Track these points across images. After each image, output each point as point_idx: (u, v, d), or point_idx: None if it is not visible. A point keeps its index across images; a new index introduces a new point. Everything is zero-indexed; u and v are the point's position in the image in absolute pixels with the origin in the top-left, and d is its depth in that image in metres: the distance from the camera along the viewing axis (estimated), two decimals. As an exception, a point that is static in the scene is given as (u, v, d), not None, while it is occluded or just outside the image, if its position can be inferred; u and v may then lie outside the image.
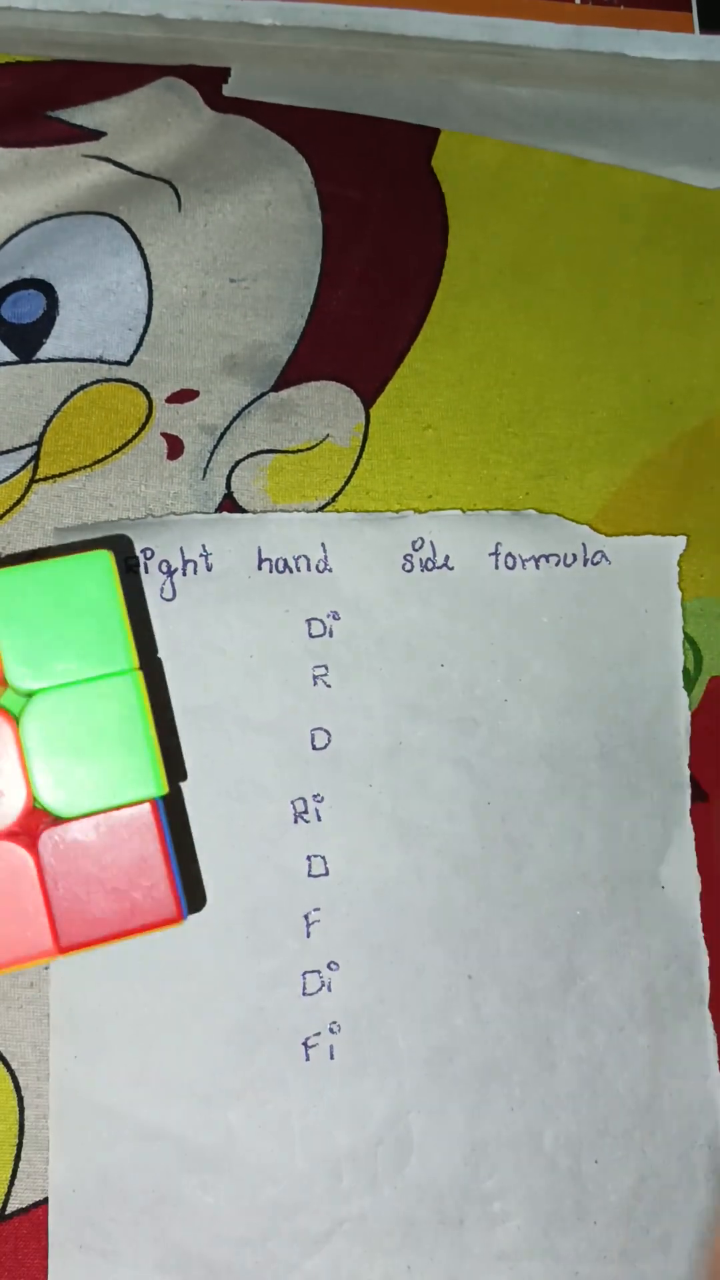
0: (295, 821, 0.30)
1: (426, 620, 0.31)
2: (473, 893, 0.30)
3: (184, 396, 0.32)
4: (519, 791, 0.31)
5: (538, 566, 0.32)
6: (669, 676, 0.32)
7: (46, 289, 0.32)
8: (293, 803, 0.30)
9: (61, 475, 0.31)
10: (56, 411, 0.31)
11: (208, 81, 0.34)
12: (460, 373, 0.33)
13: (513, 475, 0.33)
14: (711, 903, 0.31)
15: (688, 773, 0.32)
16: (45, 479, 0.31)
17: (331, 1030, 0.29)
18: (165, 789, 0.22)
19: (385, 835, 0.30)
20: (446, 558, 0.31)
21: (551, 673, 0.31)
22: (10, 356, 0.31)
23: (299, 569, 0.31)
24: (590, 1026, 0.30)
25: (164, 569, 0.30)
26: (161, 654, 0.30)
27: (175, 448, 0.31)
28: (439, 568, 0.31)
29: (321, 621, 0.30)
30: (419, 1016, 0.29)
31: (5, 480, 0.31)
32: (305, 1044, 0.29)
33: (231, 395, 0.32)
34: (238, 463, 0.31)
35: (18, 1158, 0.28)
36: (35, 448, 0.31)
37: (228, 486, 0.31)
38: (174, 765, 0.29)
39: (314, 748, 0.30)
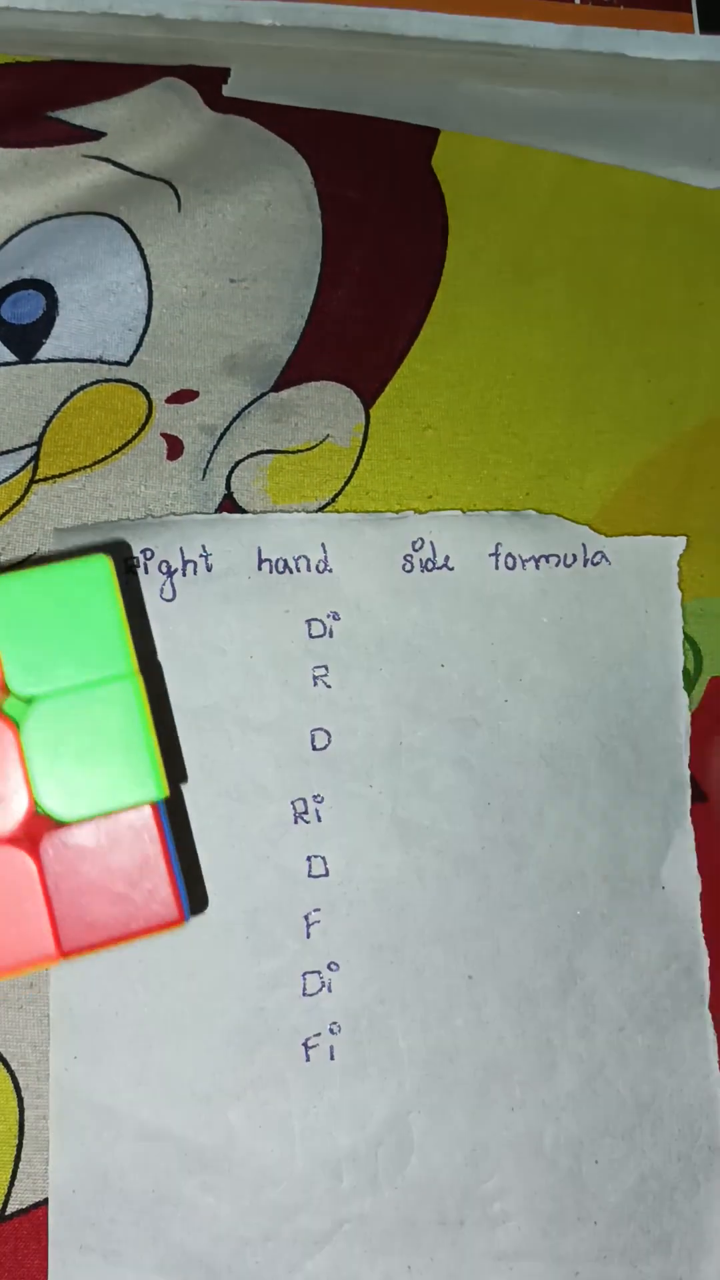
0: (295, 822, 0.30)
1: (426, 621, 0.31)
2: (473, 893, 0.30)
3: (184, 397, 0.32)
4: (519, 792, 0.31)
5: (538, 567, 0.32)
6: (669, 677, 0.32)
7: (46, 289, 0.32)
8: (293, 803, 0.30)
9: (61, 476, 0.31)
10: (56, 412, 0.31)
11: (208, 82, 0.34)
12: (460, 373, 0.33)
13: (513, 475, 0.33)
14: (712, 903, 0.31)
15: (688, 773, 0.32)
16: (45, 479, 0.31)
17: (332, 1031, 0.29)
18: (166, 792, 0.22)
19: (385, 835, 0.30)
20: (446, 558, 0.31)
21: (551, 673, 0.31)
22: (10, 357, 0.31)
23: (299, 569, 0.31)
24: (590, 1026, 0.30)
25: (164, 569, 0.30)
26: (161, 654, 0.30)
27: (175, 448, 0.31)
28: (439, 568, 0.31)
29: (321, 622, 0.30)
30: (419, 1017, 0.29)
31: (5, 481, 0.31)
32: (305, 1044, 0.29)
33: (231, 395, 0.32)
34: (238, 463, 0.31)
35: (18, 1158, 0.28)
36: (35, 448, 0.31)
37: (227, 487, 0.31)
38: (174, 767, 0.29)
39: (314, 748, 0.30)
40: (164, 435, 0.31)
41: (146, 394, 0.32)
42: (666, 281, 0.35)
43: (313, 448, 0.32)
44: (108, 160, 0.33)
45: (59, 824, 0.22)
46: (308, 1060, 0.29)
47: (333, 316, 0.33)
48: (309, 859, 0.29)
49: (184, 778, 0.29)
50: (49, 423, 0.31)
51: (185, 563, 0.30)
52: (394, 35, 0.34)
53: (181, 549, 0.30)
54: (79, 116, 0.33)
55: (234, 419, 0.32)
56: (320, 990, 0.29)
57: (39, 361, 0.31)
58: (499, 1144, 0.29)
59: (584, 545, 0.32)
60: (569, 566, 0.32)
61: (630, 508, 0.33)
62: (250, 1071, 0.28)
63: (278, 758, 0.30)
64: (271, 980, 0.29)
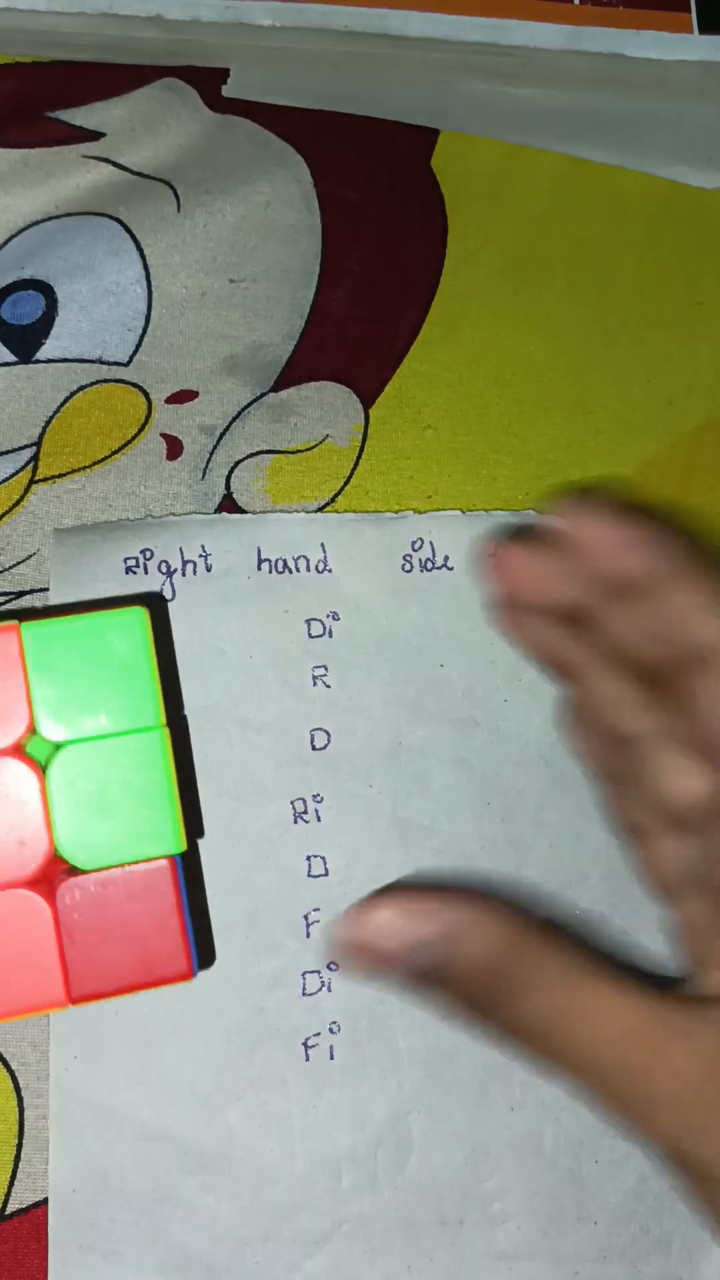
0: (295, 822, 0.30)
1: (426, 620, 0.31)
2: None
3: (183, 397, 0.32)
4: (519, 792, 0.31)
5: (537, 567, 0.32)
6: (669, 676, 0.32)
7: (46, 289, 0.32)
8: (292, 803, 0.30)
9: (61, 476, 0.31)
10: (56, 412, 0.31)
11: (207, 82, 0.34)
12: (460, 373, 0.33)
13: (512, 475, 0.33)
14: (711, 903, 0.31)
15: (688, 773, 0.32)
16: (44, 479, 0.31)
17: (331, 1030, 0.29)
18: (184, 846, 0.23)
19: (385, 835, 0.30)
20: (446, 558, 0.31)
21: (551, 673, 0.31)
22: (10, 357, 0.31)
23: (298, 569, 0.31)
24: (590, 1027, 0.30)
25: (163, 569, 0.30)
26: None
27: (175, 448, 0.31)
28: (438, 568, 0.31)
29: (321, 622, 0.30)
30: (419, 1017, 0.29)
31: (4, 481, 0.31)
32: (305, 1044, 0.29)
33: (231, 396, 0.32)
34: (237, 463, 0.31)
35: (17, 1158, 0.28)
36: (34, 448, 0.31)
37: (227, 487, 0.31)
38: (192, 822, 0.29)
39: (314, 748, 0.30)
40: (163, 435, 0.31)
41: (146, 394, 0.32)
42: (666, 282, 0.35)
43: (312, 448, 0.32)
44: (107, 160, 0.33)
45: (77, 871, 0.22)
46: (307, 1060, 0.29)
47: (332, 316, 0.33)
48: (309, 859, 0.29)
49: (200, 833, 0.29)
50: (48, 423, 0.31)
51: (185, 563, 0.30)
52: (393, 36, 0.34)
53: (181, 549, 0.30)
54: (79, 117, 0.33)
55: (233, 419, 0.32)
56: (320, 990, 0.29)
57: (38, 362, 0.31)
58: (499, 1144, 0.29)
59: (584, 545, 0.32)
60: (569, 566, 0.32)
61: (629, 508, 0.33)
62: (250, 1071, 0.28)
63: (277, 758, 0.30)
64: (271, 980, 0.29)
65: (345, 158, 0.34)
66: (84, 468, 0.31)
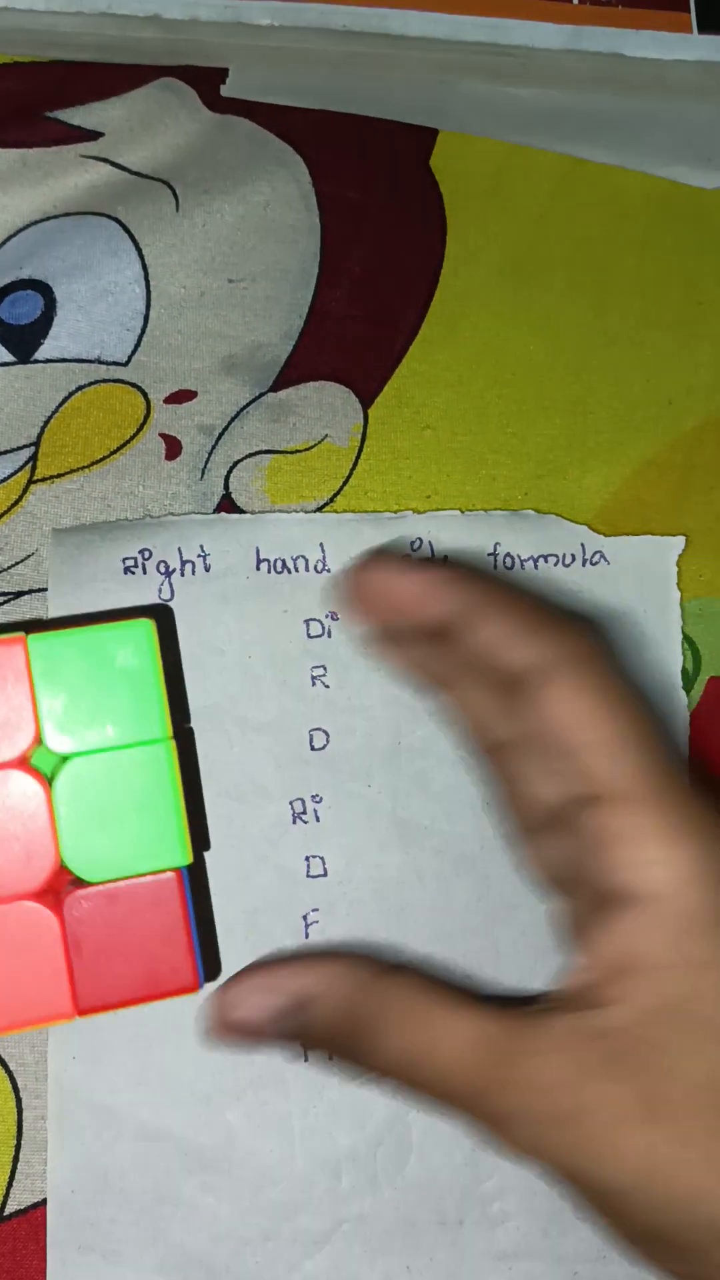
0: (294, 822, 0.30)
1: (425, 620, 0.31)
2: (472, 893, 0.30)
3: (182, 397, 0.32)
4: (518, 792, 0.31)
5: (536, 567, 0.32)
6: (668, 677, 0.32)
7: (44, 289, 0.32)
8: (291, 803, 0.30)
9: (59, 476, 0.31)
10: (54, 412, 0.31)
11: (206, 82, 0.34)
12: (459, 373, 0.33)
13: (511, 475, 0.33)
14: (711, 903, 0.31)
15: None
16: (43, 480, 0.31)
17: (330, 1031, 0.29)
18: (190, 859, 0.23)
19: (384, 835, 0.30)
20: (445, 558, 0.31)
21: (550, 673, 0.31)
22: (8, 357, 0.31)
23: (297, 569, 0.31)
24: (590, 1027, 0.30)
25: (162, 569, 0.30)
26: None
27: (173, 448, 0.31)
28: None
29: (320, 622, 0.30)
30: (418, 1017, 0.29)
31: (3, 481, 0.31)
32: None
33: (230, 395, 0.32)
34: (236, 463, 0.31)
35: (16, 1159, 0.28)
36: (33, 448, 0.31)
37: (226, 487, 0.31)
38: (198, 834, 0.29)
39: (313, 748, 0.30)
40: (162, 435, 0.31)
41: (145, 394, 0.32)
42: (665, 281, 0.35)
43: (311, 448, 0.32)
44: (106, 160, 0.33)
45: (83, 883, 0.22)
46: (307, 1060, 0.29)
47: (331, 316, 0.33)
48: (308, 859, 0.29)
49: (207, 845, 0.29)
50: (47, 423, 0.31)
51: (183, 563, 0.30)
52: (393, 35, 0.34)
53: (180, 549, 0.30)
54: (77, 116, 0.33)
55: (232, 419, 0.32)
56: (319, 990, 0.29)
57: (37, 362, 0.31)
58: (498, 1144, 0.29)
59: (583, 545, 0.32)
60: (568, 566, 0.32)
61: (629, 507, 0.33)
62: (250, 1071, 0.28)
63: (277, 758, 0.30)
64: (271, 980, 0.29)
65: (344, 157, 0.34)
66: (82, 468, 0.31)
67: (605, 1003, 0.20)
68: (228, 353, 0.32)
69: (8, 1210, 0.28)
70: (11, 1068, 0.28)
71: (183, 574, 0.30)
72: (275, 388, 0.32)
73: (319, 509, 0.31)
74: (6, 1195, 0.28)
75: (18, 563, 0.30)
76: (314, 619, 0.30)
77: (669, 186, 0.36)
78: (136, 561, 0.30)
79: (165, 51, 0.34)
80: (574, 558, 0.32)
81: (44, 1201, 0.28)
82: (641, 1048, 0.20)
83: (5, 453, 0.31)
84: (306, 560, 0.31)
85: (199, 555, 0.30)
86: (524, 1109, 0.20)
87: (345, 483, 0.32)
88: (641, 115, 0.36)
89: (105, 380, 0.31)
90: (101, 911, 0.22)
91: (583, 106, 0.36)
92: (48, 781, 0.22)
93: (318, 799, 0.30)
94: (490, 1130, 0.21)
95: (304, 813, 0.30)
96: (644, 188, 0.36)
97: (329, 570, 0.31)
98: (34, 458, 0.31)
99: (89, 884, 0.22)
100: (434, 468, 0.32)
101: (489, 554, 0.31)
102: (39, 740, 0.22)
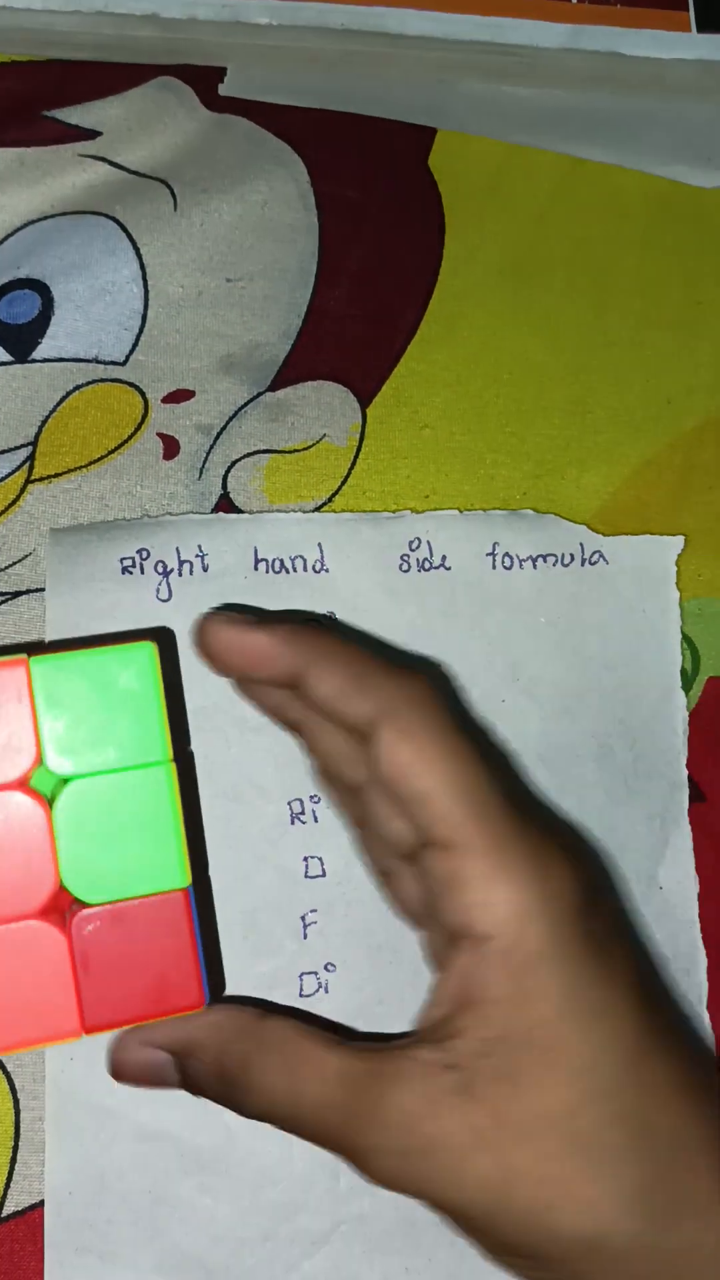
0: (293, 822, 0.30)
1: (423, 620, 0.31)
2: (470, 893, 0.30)
3: (180, 396, 0.32)
4: (517, 792, 0.31)
5: (535, 566, 0.32)
6: (667, 676, 0.32)
7: (42, 289, 0.32)
8: (289, 804, 0.30)
9: (57, 475, 0.31)
10: (52, 412, 0.31)
11: (204, 81, 0.34)
12: (458, 372, 0.33)
13: (510, 475, 0.33)
14: (710, 904, 0.31)
15: (686, 773, 0.32)
16: (41, 479, 0.31)
17: (329, 1031, 0.29)
18: (189, 880, 0.23)
19: (382, 836, 0.30)
20: (444, 558, 0.31)
21: (549, 673, 0.31)
22: (6, 357, 0.31)
23: (295, 569, 0.30)
24: (588, 1027, 0.30)
25: (160, 569, 0.30)
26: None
27: (171, 448, 0.31)
28: (436, 568, 0.31)
29: (318, 622, 0.30)
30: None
31: (0, 481, 0.31)
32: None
33: (228, 395, 0.32)
34: (234, 463, 0.31)
35: (13, 1160, 0.28)
36: (31, 448, 0.31)
37: (224, 487, 0.31)
38: (198, 852, 0.29)
39: (311, 748, 0.30)
40: (160, 435, 0.31)
41: (142, 394, 0.32)
42: (665, 281, 0.35)
43: (309, 447, 0.32)
44: (103, 159, 0.33)
45: (84, 903, 0.22)
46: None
47: (329, 316, 0.33)
48: (306, 859, 0.29)
49: (205, 865, 0.29)
50: (45, 422, 0.31)
51: (181, 563, 0.30)
52: (391, 34, 0.34)
53: (178, 549, 0.30)
54: (75, 115, 0.33)
55: (230, 418, 0.32)
56: (317, 991, 0.29)
57: (35, 361, 0.31)
58: (497, 1145, 0.29)
59: (582, 545, 0.32)
60: (567, 566, 0.32)
61: (628, 507, 0.33)
62: (247, 1072, 0.28)
63: (275, 758, 0.30)
64: (269, 981, 0.29)
65: (343, 157, 0.34)
66: (80, 467, 0.31)
67: (452, 1036, 0.22)
68: (226, 352, 0.32)
69: (5, 1212, 0.28)
70: (9, 1069, 0.28)
71: (180, 574, 0.30)
72: (273, 387, 0.32)
73: (317, 509, 0.31)
74: (4, 1197, 0.28)
75: (15, 562, 0.30)
76: (312, 619, 0.30)
77: (668, 186, 0.36)
78: (134, 561, 0.30)
79: (163, 50, 0.34)
80: (573, 557, 0.32)
81: (41, 1203, 0.28)
82: (486, 1078, 0.21)
83: (3, 452, 0.31)
84: (305, 560, 0.31)
85: (197, 555, 0.30)
86: (383, 1144, 0.21)
87: (343, 482, 0.32)
88: (641, 115, 0.36)
89: (103, 380, 0.31)
90: (109, 930, 0.22)
91: (582, 106, 0.36)
92: (48, 803, 0.22)
93: (316, 800, 0.30)
94: (355, 1165, 0.22)
95: (302, 813, 0.30)
96: (643, 187, 0.36)
97: (327, 570, 0.31)
98: (31, 457, 0.31)
99: (89, 904, 0.22)
100: (432, 467, 0.32)
101: (487, 554, 0.31)
102: (40, 761, 0.22)
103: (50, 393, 0.31)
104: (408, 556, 0.31)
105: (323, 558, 0.31)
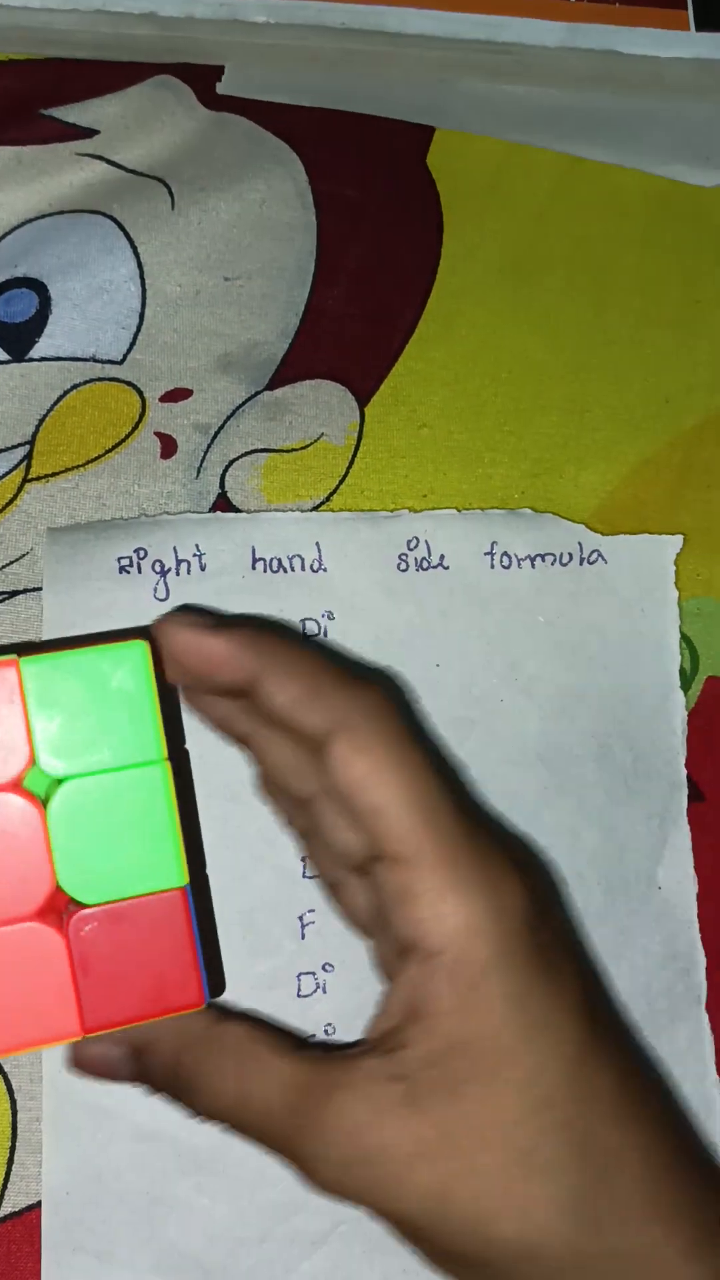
0: (290, 822, 0.30)
1: (422, 620, 0.31)
2: (469, 893, 0.30)
3: (177, 395, 0.32)
4: (515, 792, 0.31)
5: (533, 566, 0.32)
6: (666, 676, 0.32)
7: (39, 288, 0.32)
8: (287, 803, 0.30)
9: (54, 475, 0.31)
10: (49, 411, 0.31)
11: (201, 79, 0.34)
12: (456, 371, 0.33)
13: (508, 474, 0.33)
14: (709, 904, 0.31)
15: (684, 773, 0.31)
16: (38, 478, 0.31)
17: (326, 1032, 0.29)
18: (186, 879, 0.23)
19: (380, 836, 0.30)
20: (442, 557, 0.31)
21: (547, 672, 0.31)
22: (3, 356, 0.31)
23: (293, 568, 0.30)
24: (587, 1027, 0.30)
25: (157, 569, 0.30)
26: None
27: (169, 447, 0.31)
28: (434, 567, 0.31)
29: (316, 621, 0.30)
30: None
31: (-2, 480, 0.31)
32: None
33: (225, 394, 0.32)
34: (232, 462, 0.31)
35: (10, 1160, 0.28)
36: (28, 447, 0.31)
37: (221, 486, 0.31)
38: (195, 851, 0.29)
39: (309, 748, 0.30)
40: (158, 434, 0.31)
41: (140, 392, 0.31)
42: (664, 280, 0.35)
43: (307, 446, 0.32)
44: (101, 158, 0.33)
45: (81, 904, 0.22)
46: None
47: (327, 314, 0.33)
48: (303, 859, 0.29)
49: (203, 863, 0.29)
50: (42, 421, 0.31)
51: (179, 562, 0.30)
52: (390, 33, 0.34)
53: (175, 548, 0.30)
54: (72, 114, 0.33)
55: (228, 417, 0.32)
56: (315, 991, 0.29)
57: (32, 360, 0.31)
58: (495, 1145, 0.29)
59: (580, 544, 0.32)
60: (565, 565, 0.32)
61: (627, 506, 0.33)
62: (245, 1073, 0.28)
63: (273, 758, 0.30)
64: (267, 981, 0.29)
65: (341, 155, 0.34)
66: (78, 466, 0.31)
67: (400, 1047, 0.22)
68: (223, 351, 0.32)
69: (2, 1212, 0.28)
70: (6, 1069, 0.28)
71: (178, 573, 0.30)
72: (271, 386, 0.32)
73: (315, 508, 0.31)
74: (1, 1197, 0.28)
75: (12, 562, 0.30)
76: (310, 618, 0.30)
77: (667, 185, 0.36)
78: (132, 561, 0.30)
79: (161, 49, 0.34)
80: (571, 557, 0.32)
81: (39, 1203, 0.28)
82: (431, 1088, 0.21)
83: (0, 451, 0.31)
84: (302, 559, 0.30)
85: (194, 554, 0.30)
86: (326, 1152, 0.22)
87: (341, 481, 0.32)
88: (640, 114, 0.36)
89: (100, 379, 0.31)
90: (108, 931, 0.22)
91: (581, 105, 0.36)
92: (42, 804, 0.22)
93: (314, 799, 0.30)
94: (300, 1171, 0.22)
95: (300, 813, 0.30)
96: (642, 186, 0.36)
97: (325, 569, 0.31)
98: (29, 456, 0.31)
99: (86, 905, 0.22)
100: (430, 466, 0.32)
101: (486, 553, 0.31)
102: (33, 762, 0.22)
103: (47, 392, 0.31)
104: (406, 556, 0.31)
105: (320, 557, 0.31)
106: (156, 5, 0.33)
